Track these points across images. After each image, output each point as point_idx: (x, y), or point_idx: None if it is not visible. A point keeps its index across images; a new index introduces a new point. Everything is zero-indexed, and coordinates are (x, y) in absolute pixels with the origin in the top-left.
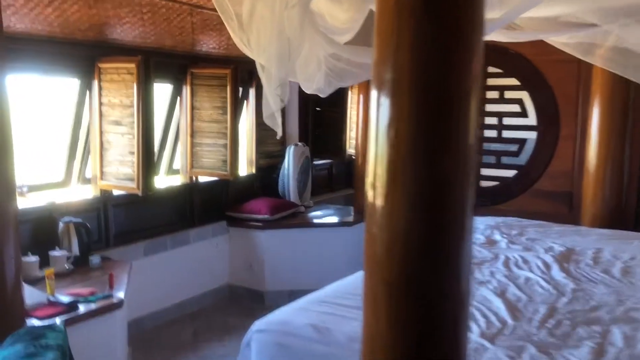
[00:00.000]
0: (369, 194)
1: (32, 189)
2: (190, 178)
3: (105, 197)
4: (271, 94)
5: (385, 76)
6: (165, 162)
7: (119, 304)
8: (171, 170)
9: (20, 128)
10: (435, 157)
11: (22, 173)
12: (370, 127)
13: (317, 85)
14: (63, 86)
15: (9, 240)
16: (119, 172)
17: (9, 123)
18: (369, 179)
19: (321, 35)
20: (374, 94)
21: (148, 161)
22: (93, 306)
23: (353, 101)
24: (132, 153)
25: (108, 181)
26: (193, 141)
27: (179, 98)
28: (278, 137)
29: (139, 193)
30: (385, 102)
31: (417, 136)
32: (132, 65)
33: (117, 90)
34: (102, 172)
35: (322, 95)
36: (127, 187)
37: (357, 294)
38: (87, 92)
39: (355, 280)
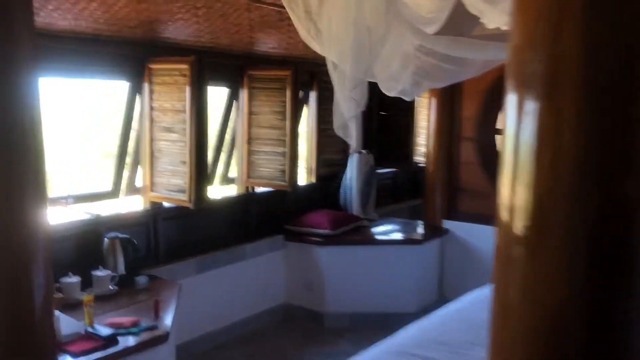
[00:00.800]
0: (501, 236)
1: (79, 199)
2: (247, 188)
3: (155, 210)
4: (345, 97)
5: (533, 70)
6: (220, 171)
7: (165, 337)
8: (226, 180)
9: (67, 134)
10: (616, 180)
11: (69, 182)
12: (506, 142)
13: (402, 87)
14: (112, 89)
15: (37, 265)
16: (169, 183)
17: (40, 128)
18: (503, 214)
19: (408, 24)
20: (511, 97)
21: (200, 172)
22: (135, 340)
23: (421, 105)
24: (184, 163)
25: (158, 193)
26: (250, 149)
27: (235, 102)
28: (351, 151)
29: (190, 206)
30: (534, 107)
31: (589, 154)
32: (185, 66)
33: (168, 94)
34: (152, 183)
35: (406, 99)
36: (178, 199)
37: (444, 342)
38: (137, 96)
39: (439, 324)
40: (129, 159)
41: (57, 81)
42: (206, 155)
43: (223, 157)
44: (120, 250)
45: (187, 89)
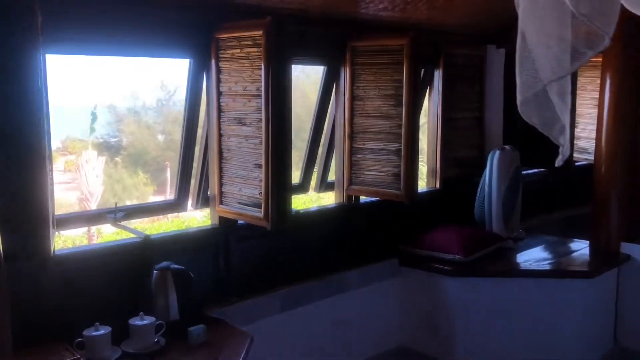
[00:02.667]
0: None
1: (131, 214)
2: (348, 198)
3: (226, 228)
4: (548, 57)
5: None
6: (316, 174)
7: None
8: (324, 186)
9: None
10: None
11: (122, 193)
12: None
13: None
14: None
15: None
16: (241, 194)
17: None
18: None
19: None
20: None
21: (281, 178)
22: None
23: (584, 83)
24: (259, 166)
25: (228, 206)
26: (352, 146)
27: (335, 85)
28: (559, 162)
29: (267, 226)
30: None
31: None
32: (258, 33)
33: (239, 72)
34: (220, 193)
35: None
36: (251, 215)
37: None
38: (204, 77)
39: None
40: (197, 162)
41: (96, 60)
42: (289, 156)
43: (321, 156)
44: (172, 286)
45: (262, 65)
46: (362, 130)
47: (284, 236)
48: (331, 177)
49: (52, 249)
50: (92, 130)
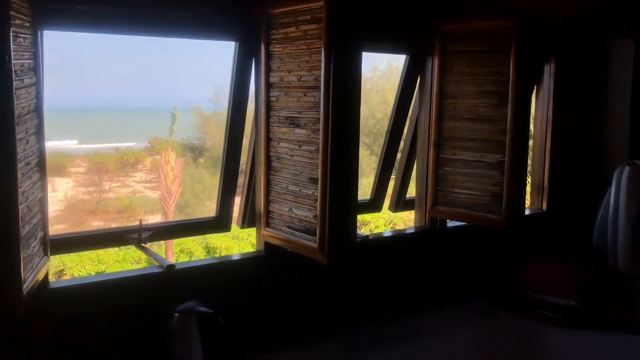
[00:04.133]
0: None
1: (158, 234)
2: (431, 221)
3: (273, 257)
4: None
5: None
6: (391, 188)
7: None
8: (401, 204)
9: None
10: None
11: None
12: None
13: None
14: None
15: None
16: (292, 215)
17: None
18: None
19: None
20: None
21: (343, 197)
22: None
23: None
24: (314, 181)
25: (275, 229)
26: (439, 156)
27: (419, 79)
28: None
29: (322, 261)
30: None
31: None
32: (319, 4)
33: (293, 58)
34: (267, 212)
35: None
36: (303, 245)
37: None
38: (252, 66)
39: None
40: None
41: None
42: (354, 168)
43: (399, 167)
44: (196, 335)
45: (322, 48)
46: (452, 137)
47: (345, 267)
48: (411, 192)
49: (21, 283)
50: (172, 131)
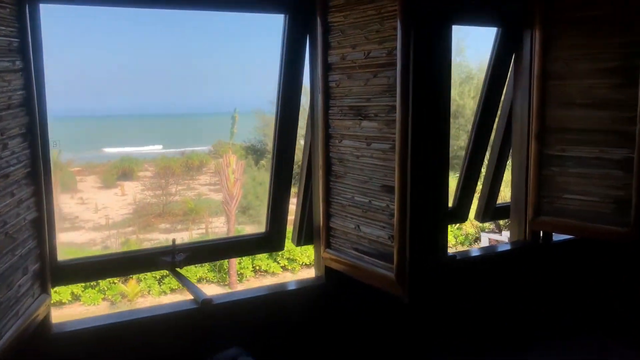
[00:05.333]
0: None
1: (198, 254)
2: (533, 235)
3: (337, 285)
4: None
5: None
6: (478, 194)
7: None
8: (490, 213)
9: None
10: None
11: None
12: None
13: None
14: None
15: None
16: (360, 234)
17: None
18: None
19: None
20: None
21: (430, 210)
22: None
23: None
24: (389, 189)
25: (339, 251)
26: (542, 152)
27: (514, 57)
28: None
29: (403, 297)
30: None
31: None
32: None
33: (358, 29)
34: (327, 229)
35: None
36: (376, 274)
37: None
38: (307, 43)
39: None
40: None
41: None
42: (445, 172)
43: (488, 169)
44: None
45: (398, 23)
46: (559, 128)
47: (430, 297)
48: (503, 198)
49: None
50: (232, 134)
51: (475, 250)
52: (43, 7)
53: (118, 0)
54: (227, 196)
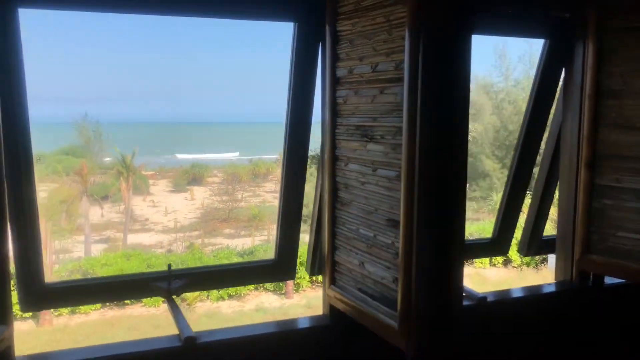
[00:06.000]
0: None
1: (197, 282)
2: (581, 275)
3: (342, 325)
4: None
5: None
6: (522, 225)
7: None
8: (535, 246)
9: None
10: None
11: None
12: None
13: None
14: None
15: None
16: (364, 273)
17: None
18: None
19: None
20: None
21: (441, 252)
22: None
23: None
24: (394, 224)
25: (343, 290)
26: (593, 182)
27: (564, 72)
28: None
29: (407, 349)
30: None
31: None
32: None
33: (366, 38)
34: (332, 264)
35: None
36: (377, 320)
37: None
38: (318, 53)
39: None
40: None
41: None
42: (461, 204)
43: (531, 197)
44: None
45: (406, 32)
46: (614, 154)
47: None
48: (549, 231)
49: None
50: None
51: (515, 291)
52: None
53: (110, 6)
54: None
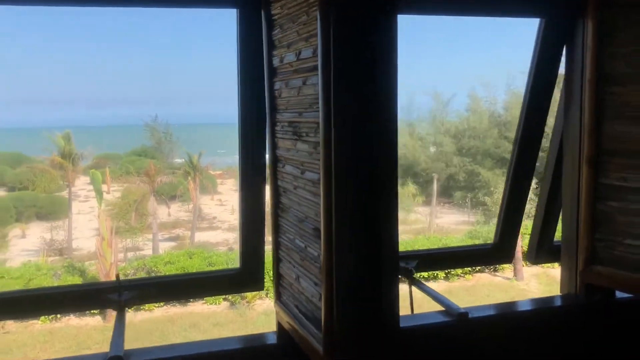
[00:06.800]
0: None
1: (149, 293)
2: (586, 289)
3: (286, 344)
4: None
5: None
6: (530, 228)
7: None
8: (544, 252)
9: None
10: None
11: None
12: None
13: None
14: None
15: None
16: (300, 288)
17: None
18: None
19: None
20: None
21: (371, 263)
22: None
23: None
24: (318, 235)
25: (286, 306)
26: (597, 182)
27: (566, 55)
28: None
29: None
30: None
31: None
32: None
33: (291, 21)
34: (278, 277)
35: None
36: (306, 342)
37: None
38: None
39: None
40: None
41: None
42: (390, 211)
43: (538, 195)
44: None
45: (318, 12)
46: (621, 150)
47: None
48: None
49: None
50: None
51: (502, 305)
52: None
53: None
54: None
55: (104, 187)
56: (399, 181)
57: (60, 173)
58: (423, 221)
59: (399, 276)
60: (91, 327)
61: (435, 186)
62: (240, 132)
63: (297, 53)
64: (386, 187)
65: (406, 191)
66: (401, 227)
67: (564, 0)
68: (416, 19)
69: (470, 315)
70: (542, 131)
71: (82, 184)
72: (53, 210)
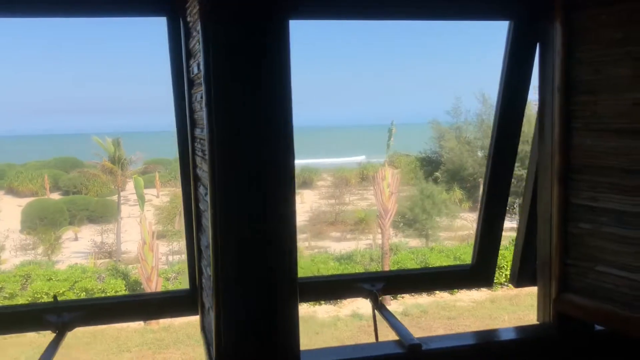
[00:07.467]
0: None
1: (95, 315)
2: (556, 317)
3: None
4: None
5: None
6: (514, 253)
7: None
8: (527, 276)
9: None
10: None
11: None
12: None
13: None
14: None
15: None
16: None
17: None
18: None
19: None
20: None
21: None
22: None
23: None
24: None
25: None
26: (567, 201)
27: (538, 60)
28: None
29: None
30: None
31: None
32: None
33: (195, 37)
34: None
35: None
36: None
37: None
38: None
39: None
40: None
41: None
42: (288, 223)
43: (521, 214)
44: None
45: (198, 21)
46: (589, 165)
47: None
48: None
49: None
50: (388, 146)
51: (464, 336)
52: None
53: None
54: (382, 210)
55: (154, 192)
56: (445, 186)
57: (110, 178)
58: (469, 227)
59: (366, 298)
60: (132, 330)
61: (482, 192)
62: (180, 147)
63: (198, 64)
64: (279, 198)
65: (452, 197)
66: (446, 234)
67: (532, 0)
68: (470, 25)
69: (424, 347)
70: (517, 144)
71: (132, 188)
72: (104, 213)
